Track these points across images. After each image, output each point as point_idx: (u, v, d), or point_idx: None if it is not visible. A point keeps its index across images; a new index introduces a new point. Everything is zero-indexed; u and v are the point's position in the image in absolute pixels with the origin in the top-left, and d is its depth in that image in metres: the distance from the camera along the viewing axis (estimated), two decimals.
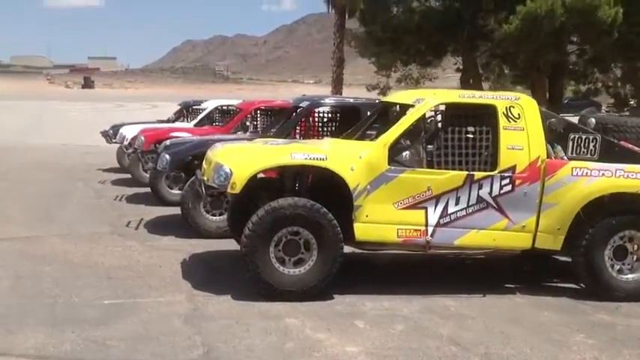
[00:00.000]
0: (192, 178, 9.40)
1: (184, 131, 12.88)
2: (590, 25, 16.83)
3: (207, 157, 7.42)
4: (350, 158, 6.67)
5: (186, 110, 18.60)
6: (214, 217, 9.58)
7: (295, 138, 9.77)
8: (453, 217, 6.80)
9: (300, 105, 10.17)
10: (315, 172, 6.75)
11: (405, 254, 7.70)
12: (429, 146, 6.93)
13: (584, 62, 20.85)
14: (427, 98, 7.00)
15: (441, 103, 6.97)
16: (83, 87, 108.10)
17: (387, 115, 8.32)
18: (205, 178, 7.04)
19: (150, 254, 8.44)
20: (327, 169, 6.55)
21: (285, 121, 11.25)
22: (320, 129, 10.06)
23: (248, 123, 13.18)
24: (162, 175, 12.17)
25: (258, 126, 12.87)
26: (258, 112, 12.95)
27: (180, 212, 11.20)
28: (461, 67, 22.38)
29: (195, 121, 15.58)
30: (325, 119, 10.19)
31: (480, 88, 22.42)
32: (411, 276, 7.77)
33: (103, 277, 7.33)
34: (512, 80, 21.48)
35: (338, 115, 10.37)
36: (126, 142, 15.35)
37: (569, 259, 7.38)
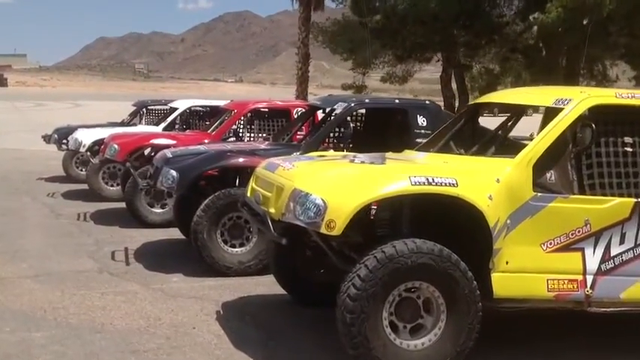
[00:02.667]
0: (208, 201, 7.39)
1: (165, 137, 10.74)
2: None
3: (264, 178, 5.44)
4: (485, 182, 4.81)
5: (142, 111, 16.40)
6: (235, 250, 7.56)
7: (330, 148, 7.87)
8: (617, 261, 5.02)
9: (334, 107, 8.23)
10: (429, 202, 4.84)
11: None
12: (580, 164, 5.13)
13: (611, 57, 19.33)
14: (576, 99, 5.18)
15: (596, 106, 5.15)
16: None
17: (476, 119, 6.52)
18: (273, 211, 5.06)
19: (167, 306, 6.37)
20: (460, 199, 4.68)
21: (298, 125, 9.31)
22: (362, 136, 8.13)
23: (240, 127, 11.19)
24: (142, 192, 10.09)
25: (256, 131, 10.88)
26: (254, 114, 10.94)
27: (166, 236, 9.44)
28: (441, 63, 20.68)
29: (164, 125, 13.43)
30: (368, 124, 8.24)
31: (465, 89, 20.96)
32: (539, 328, 5.95)
33: (124, 349, 5.24)
34: (532, 78, 19.50)
35: (383, 119, 8.48)
36: (83, 149, 13.14)
37: None
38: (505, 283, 4.81)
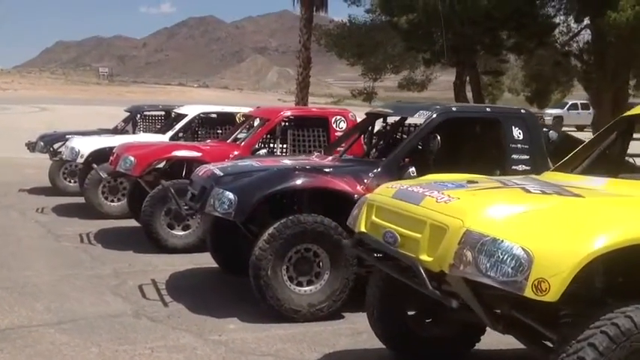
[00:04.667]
0: (273, 230, 6.00)
1: (188, 149, 9.31)
2: None
3: (399, 211, 4.08)
4: None
5: (138, 117, 14.88)
6: (303, 289, 6.18)
7: (408, 166, 6.51)
8: None
9: (407, 116, 6.91)
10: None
11: None
12: None
13: None
14: None
15: None
16: None
17: (630, 133, 5.24)
18: (427, 259, 3.71)
19: None
20: None
21: (355, 137, 7.98)
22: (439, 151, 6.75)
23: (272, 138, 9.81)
24: (161, 212, 8.70)
25: (290, 142, 9.52)
26: (289, 123, 9.58)
27: (193, 264, 8.12)
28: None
29: (171, 133, 12.01)
30: (445, 136, 6.89)
31: (481, 96, 19.63)
32: None
33: None
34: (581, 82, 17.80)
35: (467, 130, 7.19)
36: (81, 160, 11.68)
37: None
38: None
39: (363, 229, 4.46)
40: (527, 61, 18.72)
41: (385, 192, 4.43)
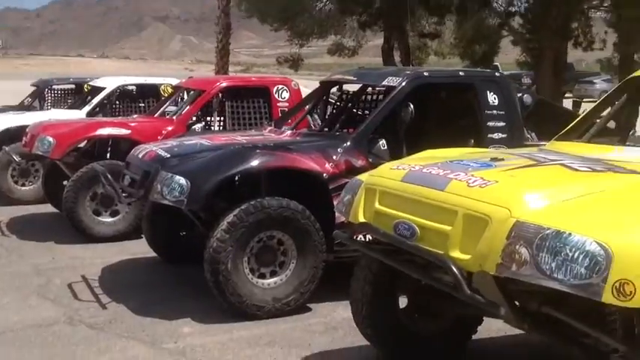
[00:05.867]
0: (233, 218, 5.19)
1: (114, 126, 8.33)
2: None
3: (417, 198, 3.37)
4: None
5: (46, 92, 13.58)
6: (266, 282, 5.44)
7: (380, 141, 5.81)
8: None
9: (374, 83, 6.22)
10: None
11: None
12: None
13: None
14: None
15: None
16: None
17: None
18: (462, 257, 3.03)
19: None
20: None
21: (308, 108, 7.25)
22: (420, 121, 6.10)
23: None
24: (85, 197, 7.84)
25: (229, 115, 8.66)
26: (227, 94, 8.71)
27: (125, 254, 7.23)
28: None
29: (88, 108, 10.92)
30: (424, 105, 6.26)
31: (409, 61, 19.02)
32: None
33: None
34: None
35: (444, 97, 6.57)
36: None
37: None
38: None
39: (362, 218, 3.72)
40: (461, 22, 18.19)
41: (390, 174, 3.69)
